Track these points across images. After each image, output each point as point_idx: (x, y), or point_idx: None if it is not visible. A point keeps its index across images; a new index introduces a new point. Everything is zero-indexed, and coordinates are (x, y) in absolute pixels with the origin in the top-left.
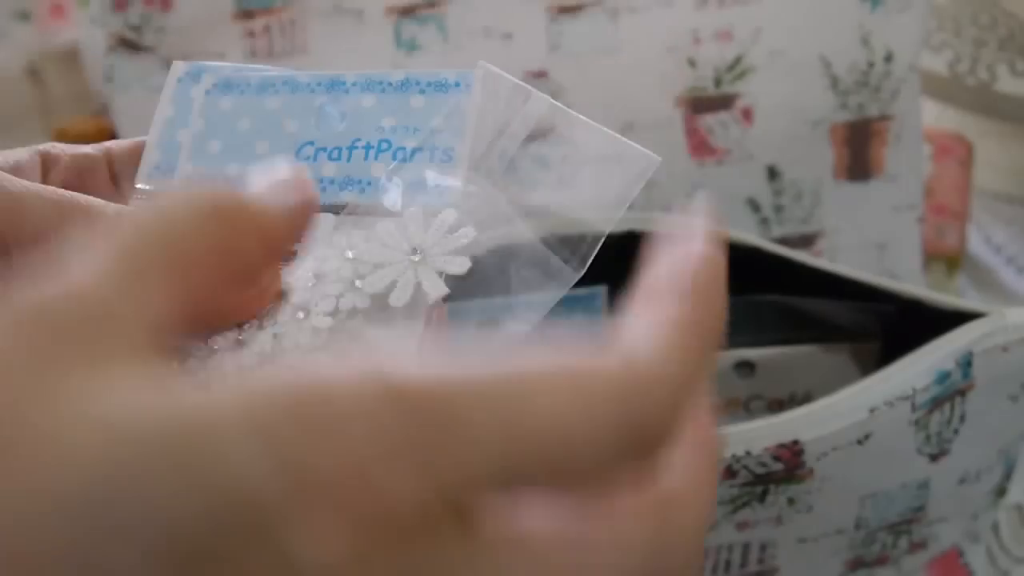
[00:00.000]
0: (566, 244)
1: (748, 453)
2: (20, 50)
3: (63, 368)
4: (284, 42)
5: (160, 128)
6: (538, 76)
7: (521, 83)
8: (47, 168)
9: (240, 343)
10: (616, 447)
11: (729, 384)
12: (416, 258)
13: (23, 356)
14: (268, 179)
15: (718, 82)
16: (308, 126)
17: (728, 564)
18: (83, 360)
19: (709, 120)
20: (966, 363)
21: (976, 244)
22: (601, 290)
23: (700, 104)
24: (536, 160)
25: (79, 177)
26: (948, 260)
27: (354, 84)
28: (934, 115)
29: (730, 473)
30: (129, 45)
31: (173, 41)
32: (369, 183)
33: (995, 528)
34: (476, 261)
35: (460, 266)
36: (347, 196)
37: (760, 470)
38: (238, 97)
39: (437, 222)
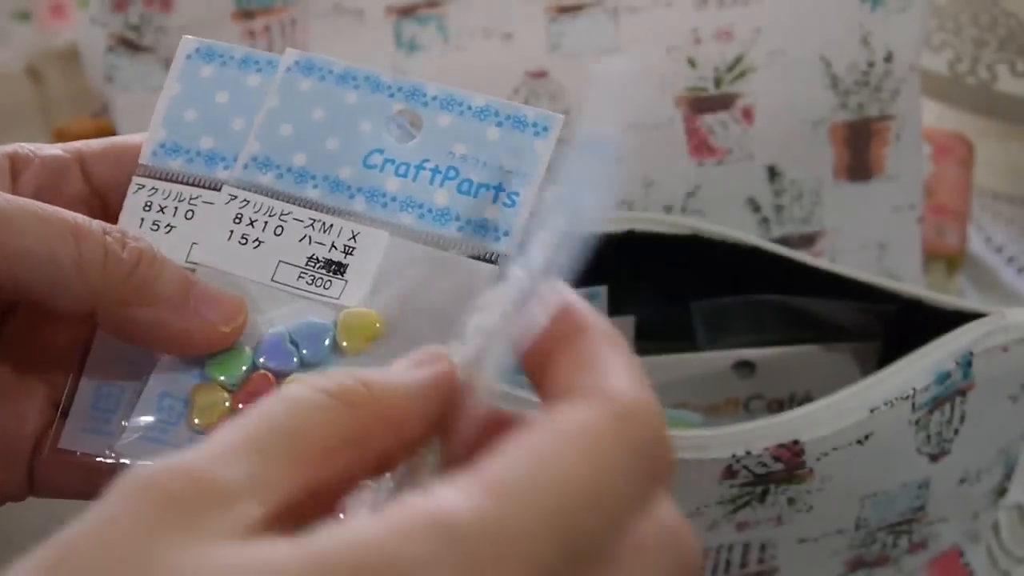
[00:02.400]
0: None
1: (748, 453)
2: (20, 50)
3: (164, 539)
4: (284, 42)
5: (167, 105)
6: (538, 76)
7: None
8: (17, 171)
9: None
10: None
11: (729, 384)
12: None
13: (128, 524)
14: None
15: (718, 82)
16: (380, 132)
17: (728, 564)
18: (185, 533)
19: (709, 120)
20: (966, 363)
21: (976, 244)
22: (601, 290)
23: (700, 104)
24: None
25: (52, 179)
26: (948, 260)
27: (434, 98)
28: (934, 115)
29: (730, 473)
30: (129, 45)
31: (173, 41)
32: (430, 210)
33: (995, 528)
34: None
35: None
36: (406, 218)
37: (760, 470)
38: (318, 83)
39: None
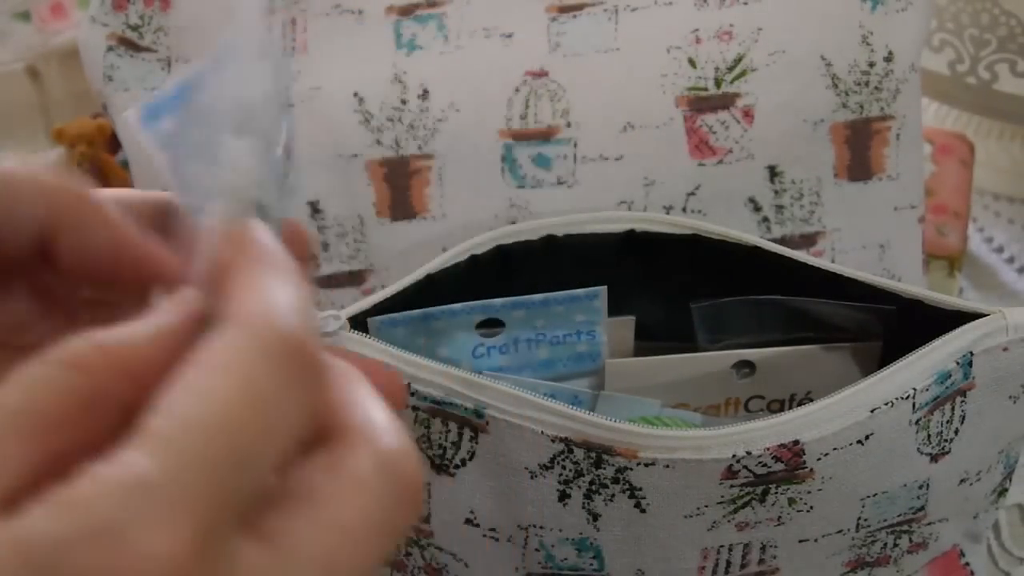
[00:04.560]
0: None
1: (748, 453)
2: (20, 50)
3: None
4: (284, 42)
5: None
6: (538, 76)
7: None
8: None
9: None
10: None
11: (729, 384)
12: None
13: None
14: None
15: (718, 82)
16: None
17: (728, 564)
18: None
19: (709, 119)
20: (967, 363)
21: (976, 244)
22: (601, 290)
23: (700, 104)
24: (535, 160)
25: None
26: (949, 260)
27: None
28: (934, 115)
29: (730, 473)
30: (129, 45)
31: (173, 41)
32: None
33: (996, 528)
34: None
35: None
36: None
37: (761, 470)
38: None
39: None
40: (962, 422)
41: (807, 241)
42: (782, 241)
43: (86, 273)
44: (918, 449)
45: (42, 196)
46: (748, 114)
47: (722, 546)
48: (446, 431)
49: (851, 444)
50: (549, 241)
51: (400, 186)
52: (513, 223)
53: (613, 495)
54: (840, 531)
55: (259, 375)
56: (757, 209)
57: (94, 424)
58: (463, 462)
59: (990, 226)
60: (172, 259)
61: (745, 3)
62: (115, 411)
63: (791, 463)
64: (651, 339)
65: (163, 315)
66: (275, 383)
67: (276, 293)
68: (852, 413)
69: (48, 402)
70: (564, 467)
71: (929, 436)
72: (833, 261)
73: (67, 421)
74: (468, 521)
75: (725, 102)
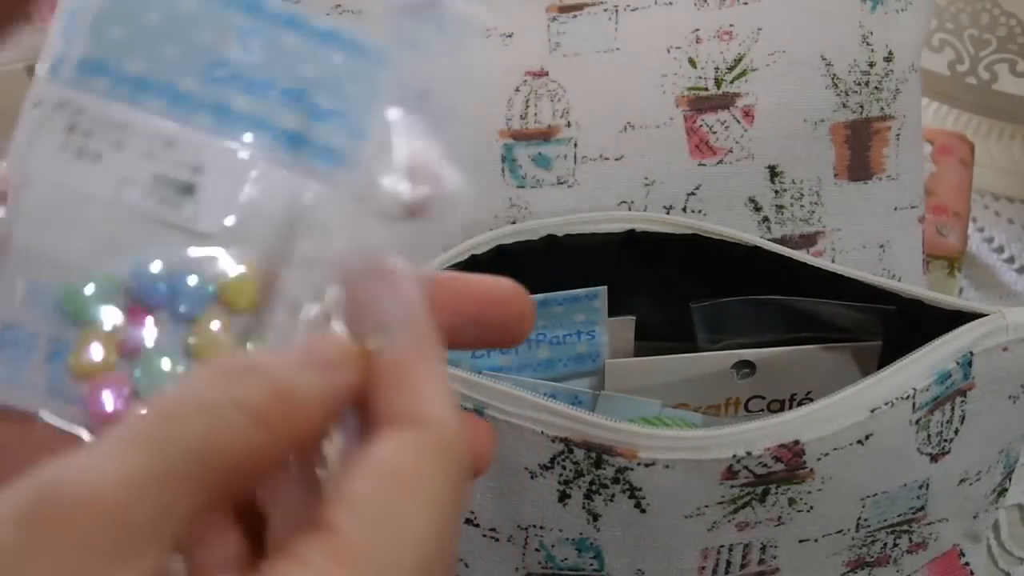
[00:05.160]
0: None
1: (749, 453)
2: (20, 50)
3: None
4: None
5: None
6: (538, 76)
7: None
8: None
9: None
10: None
11: (729, 384)
12: None
13: (20, 558)
14: (307, 356)
15: (719, 82)
16: (223, 43)
17: (728, 564)
18: (87, 568)
19: (710, 119)
20: (966, 363)
21: (976, 244)
22: (601, 290)
23: (700, 103)
24: (535, 160)
25: None
26: (949, 260)
27: (276, 14)
28: (935, 115)
29: (731, 473)
30: None
31: None
32: (284, 133)
33: (995, 528)
34: None
35: None
36: (257, 139)
37: (761, 470)
38: None
39: None
40: (962, 422)
41: (807, 241)
42: (782, 241)
43: None
44: (918, 449)
45: None
46: (748, 114)
47: (722, 546)
48: None
49: (851, 444)
50: (549, 241)
51: None
52: (513, 223)
53: (613, 495)
54: (840, 531)
55: (446, 495)
56: (757, 209)
57: (257, 475)
58: None
59: (990, 226)
60: None
61: (745, 3)
62: (276, 465)
63: (791, 463)
64: (651, 339)
65: (329, 377)
66: (456, 500)
67: (446, 395)
68: (852, 413)
69: (230, 456)
70: (564, 467)
71: (929, 436)
72: (833, 261)
73: (239, 475)
74: (468, 521)
75: (725, 102)
